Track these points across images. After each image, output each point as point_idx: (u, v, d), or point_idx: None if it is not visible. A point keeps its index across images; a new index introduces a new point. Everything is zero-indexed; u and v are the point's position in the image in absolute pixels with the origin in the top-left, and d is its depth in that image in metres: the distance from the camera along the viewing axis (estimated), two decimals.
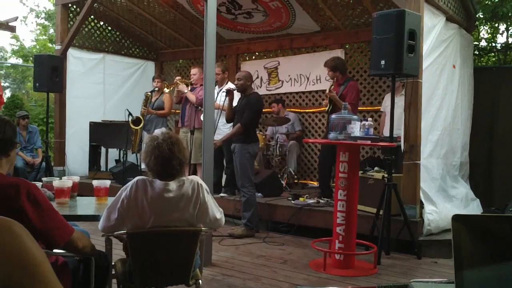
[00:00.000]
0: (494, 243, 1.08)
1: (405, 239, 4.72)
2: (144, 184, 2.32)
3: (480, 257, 1.09)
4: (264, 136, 7.37)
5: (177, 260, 2.39)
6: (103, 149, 8.20)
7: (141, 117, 7.21)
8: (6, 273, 0.94)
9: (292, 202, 5.79)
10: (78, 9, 7.89)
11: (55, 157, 7.91)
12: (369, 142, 4.37)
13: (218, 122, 5.80)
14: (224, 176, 6.56)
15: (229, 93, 5.58)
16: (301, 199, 5.84)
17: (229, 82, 6.47)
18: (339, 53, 7.27)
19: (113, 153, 8.23)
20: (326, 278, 3.98)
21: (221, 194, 6.22)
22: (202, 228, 2.39)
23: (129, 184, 2.34)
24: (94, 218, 2.54)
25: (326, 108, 5.90)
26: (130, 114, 6.93)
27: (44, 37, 19.92)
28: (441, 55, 5.36)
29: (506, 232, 1.08)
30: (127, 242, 2.33)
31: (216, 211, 2.49)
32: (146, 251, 2.34)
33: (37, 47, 19.06)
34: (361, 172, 5.13)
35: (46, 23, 19.90)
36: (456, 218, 1.05)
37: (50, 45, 17.98)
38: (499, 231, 1.08)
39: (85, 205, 2.93)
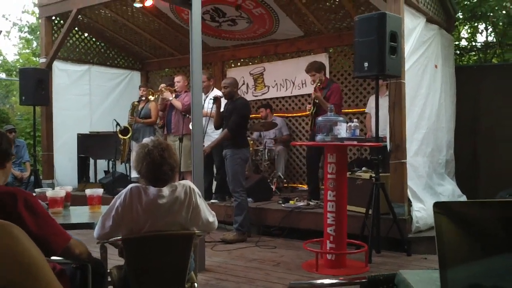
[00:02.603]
0: (474, 229, 1.15)
1: (394, 237, 4.80)
2: (138, 191, 2.36)
3: (462, 242, 1.16)
4: (252, 142, 7.42)
5: (172, 263, 2.42)
6: (91, 160, 8.19)
7: (129, 126, 7.23)
8: (6, 274, 0.99)
9: (283, 205, 5.84)
10: (62, 21, 7.89)
11: (44, 170, 7.88)
12: (355, 142, 4.46)
13: (207, 128, 5.84)
14: (214, 183, 6.60)
15: (217, 100, 5.63)
16: (291, 202, 5.90)
17: (215, 89, 6.53)
18: (323, 57, 7.37)
19: (102, 164, 8.23)
20: (318, 277, 4.03)
21: (212, 200, 6.26)
22: (196, 232, 2.44)
23: (123, 191, 2.38)
24: (89, 226, 2.57)
25: (310, 111, 5.98)
26: (117, 124, 6.95)
27: (27, 50, 19.81)
28: (423, 55, 5.47)
29: (485, 217, 1.14)
30: (123, 247, 2.36)
31: (209, 214, 2.54)
32: (141, 256, 2.37)
33: (20, 61, 18.95)
34: (349, 173, 5.21)
35: (29, 36, 19.79)
36: (437, 205, 1.11)
37: (33, 58, 17.89)
38: (479, 217, 1.15)
39: (79, 214, 2.96)
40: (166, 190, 2.38)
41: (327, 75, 7.05)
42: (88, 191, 3.02)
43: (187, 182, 2.48)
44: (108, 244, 2.55)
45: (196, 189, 2.48)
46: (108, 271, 2.62)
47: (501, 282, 1.14)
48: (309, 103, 6.14)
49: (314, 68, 5.93)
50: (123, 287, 2.50)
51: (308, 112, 6.15)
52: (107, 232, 2.37)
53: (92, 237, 2.50)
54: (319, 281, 1.54)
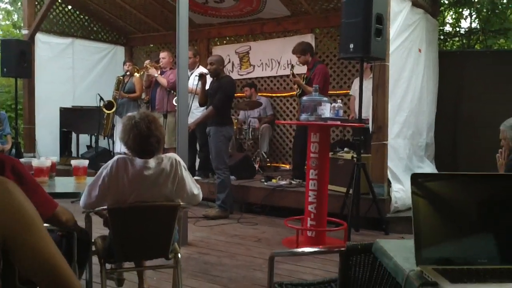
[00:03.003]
0: (447, 198, 1.22)
1: (373, 217, 4.92)
2: (125, 162, 2.39)
3: (436, 215, 1.23)
4: (236, 120, 7.45)
5: (157, 234, 2.47)
6: (74, 135, 8.13)
7: (113, 101, 7.19)
8: (3, 225, 1.03)
9: (265, 183, 5.92)
10: None
11: (25, 143, 7.81)
12: (339, 122, 4.53)
13: (191, 106, 5.84)
14: (197, 160, 6.63)
15: (202, 77, 5.63)
16: (273, 180, 5.97)
17: (200, 66, 6.51)
18: (309, 37, 7.38)
19: (84, 138, 8.19)
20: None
21: (195, 177, 6.25)
22: (181, 203, 2.48)
23: (110, 162, 2.41)
24: (74, 195, 2.60)
25: (296, 92, 6.03)
26: (101, 98, 6.90)
27: (7, 22, 19.35)
28: (407, 39, 5.53)
29: (457, 187, 1.21)
30: (108, 217, 2.40)
31: (194, 187, 2.58)
32: (126, 226, 2.42)
33: (0, 32, 18.51)
34: (332, 153, 5.29)
35: (9, 7, 19.31)
36: (414, 176, 1.18)
37: (14, 30, 17.49)
38: (452, 187, 1.22)
39: (64, 184, 2.98)
40: (152, 162, 2.42)
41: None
42: (73, 162, 3.04)
43: (173, 155, 2.52)
44: (92, 214, 2.58)
45: (182, 162, 2.52)
46: (93, 241, 2.66)
47: (470, 255, 1.22)
48: (294, 84, 6.19)
49: (300, 50, 5.96)
50: (108, 256, 2.55)
51: (294, 92, 6.21)
52: (93, 202, 2.41)
53: (76, 209, 2.53)
54: (300, 249, 1.61)
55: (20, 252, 1.08)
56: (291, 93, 7.74)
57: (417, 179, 1.20)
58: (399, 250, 1.32)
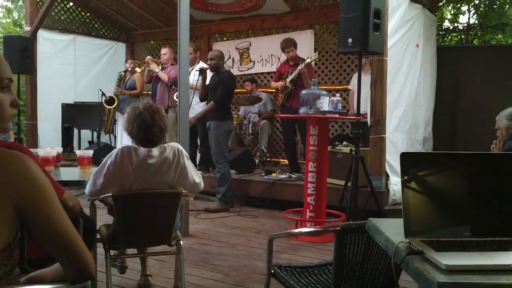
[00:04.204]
0: (434, 176, 1.30)
1: (371, 209, 4.97)
2: (129, 151, 2.47)
3: (423, 187, 1.31)
4: (236, 115, 7.53)
5: (160, 221, 2.56)
6: (75, 130, 8.22)
7: (114, 97, 7.26)
8: (20, 193, 1.12)
9: (265, 177, 6.00)
10: None
11: (27, 139, 7.88)
12: (337, 116, 4.60)
13: (192, 101, 5.91)
14: (198, 154, 6.71)
15: (202, 72, 5.70)
16: (273, 174, 6.05)
17: (200, 62, 6.59)
18: (308, 33, 7.46)
19: (86, 134, 8.28)
20: (297, 245, 4.22)
21: None
22: (183, 191, 2.56)
23: (114, 151, 2.49)
24: (80, 183, 2.68)
25: (288, 88, 6.10)
26: (103, 94, 6.98)
27: (8, 20, 19.42)
28: (406, 34, 5.60)
29: (444, 165, 1.29)
30: (113, 204, 2.48)
31: (195, 176, 2.67)
32: (130, 213, 2.50)
33: (0, 29, 18.58)
34: (330, 146, 5.37)
35: (9, 5, 19.37)
36: (403, 155, 1.26)
37: (15, 28, 17.56)
38: (438, 166, 1.30)
39: (70, 173, 3.06)
40: (155, 151, 2.50)
41: (313, 51, 7.18)
42: (78, 152, 3.13)
43: (175, 144, 2.60)
44: (97, 202, 2.67)
45: (184, 151, 2.60)
46: (97, 228, 2.74)
47: (456, 228, 1.30)
48: (284, 79, 6.23)
49: (293, 44, 6.06)
50: (112, 242, 2.63)
51: (274, 89, 6.34)
52: (98, 190, 2.49)
53: (81, 198, 2.61)
54: (296, 230, 1.69)
55: (35, 221, 1.16)
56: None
57: (406, 158, 1.28)
58: (390, 227, 1.40)
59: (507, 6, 8.11)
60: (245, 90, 7.89)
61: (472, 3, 8.25)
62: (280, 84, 6.24)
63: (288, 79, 6.10)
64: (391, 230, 1.37)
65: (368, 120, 5.25)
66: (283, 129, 6.56)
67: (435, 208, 1.31)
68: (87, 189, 2.53)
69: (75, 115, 7.98)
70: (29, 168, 1.17)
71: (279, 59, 7.91)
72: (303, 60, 6.07)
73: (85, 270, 1.22)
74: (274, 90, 8.00)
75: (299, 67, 5.88)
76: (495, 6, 7.99)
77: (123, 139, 6.99)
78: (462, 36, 8.50)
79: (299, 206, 4.88)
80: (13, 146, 1.99)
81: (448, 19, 9.05)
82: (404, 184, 1.27)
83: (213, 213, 5.43)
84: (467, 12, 8.65)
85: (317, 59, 6.10)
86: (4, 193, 1.12)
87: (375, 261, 1.74)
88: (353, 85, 6.58)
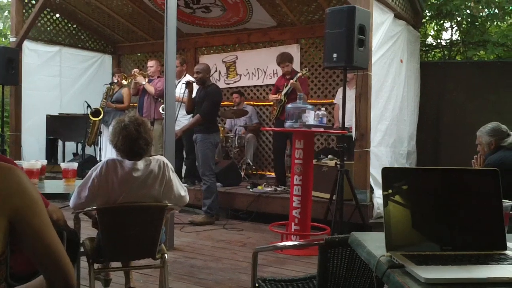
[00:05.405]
0: (415, 190, 1.33)
1: (356, 222, 5.01)
2: (114, 164, 2.47)
3: (404, 202, 1.34)
4: (222, 128, 7.54)
5: (145, 234, 2.55)
6: (60, 142, 8.16)
7: (100, 109, 7.24)
8: (14, 205, 1.12)
9: (251, 190, 6.00)
10: (33, 1, 7.81)
11: (11, 150, 7.80)
12: (322, 129, 4.65)
13: (178, 113, 5.92)
14: (184, 167, 6.70)
15: (189, 85, 5.72)
16: (259, 187, 6.06)
17: (187, 75, 6.61)
18: (295, 48, 7.54)
19: (71, 146, 8.21)
20: (283, 258, 4.22)
21: None
22: (168, 204, 2.56)
23: (99, 164, 2.49)
24: (64, 196, 2.67)
25: (281, 101, 6.14)
26: (88, 106, 6.96)
27: None
28: (390, 49, 5.70)
29: (424, 180, 1.32)
30: (97, 217, 2.47)
31: (181, 189, 2.67)
32: (115, 226, 2.49)
33: None
34: (316, 160, 5.40)
35: None
36: (385, 170, 1.28)
37: (0, 38, 17.45)
38: (418, 180, 1.33)
39: (54, 186, 3.04)
40: (141, 164, 2.50)
41: (298, 66, 7.26)
42: (63, 165, 3.11)
43: (161, 157, 2.61)
44: (81, 215, 2.65)
45: (169, 164, 2.61)
46: (81, 242, 2.72)
47: (436, 242, 1.33)
48: (279, 92, 6.29)
49: (288, 59, 6.11)
50: (96, 256, 2.61)
51: (272, 102, 6.38)
52: (83, 202, 2.48)
53: (65, 211, 2.59)
54: (281, 243, 1.70)
55: (25, 233, 1.16)
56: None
57: (387, 173, 1.31)
58: (372, 241, 1.42)
59: (488, 23, 8.29)
60: (232, 103, 7.93)
61: (455, 20, 8.42)
62: (275, 97, 6.29)
63: (283, 93, 6.15)
64: (373, 243, 1.39)
65: (353, 134, 5.30)
66: (273, 141, 6.60)
67: (416, 222, 1.34)
68: (71, 202, 2.52)
69: (59, 127, 7.92)
70: (22, 180, 1.17)
71: (265, 72, 7.98)
72: (297, 73, 6.15)
73: (67, 282, 1.22)
74: (264, 103, 8.09)
75: (291, 81, 5.94)
76: (477, 23, 8.16)
77: (107, 152, 6.95)
78: (445, 52, 8.66)
79: (284, 219, 4.89)
80: None
81: (432, 35, 9.23)
82: (385, 198, 1.29)
83: (198, 226, 5.41)
84: (449, 28, 8.83)
85: (307, 75, 6.15)
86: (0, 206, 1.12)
87: (358, 274, 1.76)
88: (338, 99, 6.65)
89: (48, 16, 8.50)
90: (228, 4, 7.38)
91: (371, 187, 5.21)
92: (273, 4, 7.25)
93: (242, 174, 7.00)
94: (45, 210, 1.21)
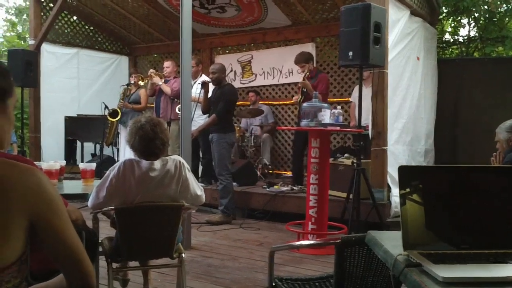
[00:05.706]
0: (432, 188, 1.32)
1: (374, 221, 4.97)
2: (131, 164, 2.50)
3: (421, 200, 1.33)
4: (238, 128, 7.56)
5: (162, 233, 2.57)
6: (78, 143, 8.27)
7: (118, 109, 7.32)
8: (34, 206, 1.15)
9: (267, 189, 6.01)
10: (51, 4, 7.92)
11: (31, 152, 7.93)
12: (338, 128, 4.63)
13: (194, 113, 5.96)
14: (200, 167, 6.73)
15: (205, 85, 5.75)
16: (275, 186, 6.06)
17: (203, 75, 6.64)
18: (310, 46, 7.52)
19: (89, 147, 8.31)
20: (299, 257, 4.22)
21: None
22: (185, 204, 2.58)
23: (117, 164, 2.52)
24: (82, 196, 2.70)
25: (298, 99, 6.14)
26: (106, 107, 7.03)
27: (12, 33, 19.60)
28: (406, 47, 5.65)
29: (442, 178, 1.31)
30: (115, 217, 2.50)
31: (197, 188, 2.69)
32: (132, 225, 2.52)
33: (5, 43, 18.74)
34: (332, 159, 5.38)
35: (15, 19, 19.57)
36: (401, 168, 1.28)
37: (19, 41, 17.73)
38: (436, 178, 1.32)
39: (73, 186, 3.09)
40: (157, 164, 2.52)
41: (314, 65, 7.23)
42: (81, 165, 3.16)
43: (177, 157, 2.62)
44: (100, 215, 2.69)
45: (186, 164, 2.62)
46: (100, 241, 2.76)
47: (454, 241, 1.32)
48: (296, 92, 6.30)
49: (304, 60, 6.09)
50: (115, 255, 2.64)
51: (293, 101, 6.31)
52: (101, 202, 2.51)
53: (83, 211, 2.63)
54: (297, 243, 1.70)
55: (45, 233, 1.18)
56: (292, 101, 7.85)
57: (404, 171, 1.30)
58: (389, 239, 1.42)
59: (507, 19, 8.16)
60: (248, 103, 7.94)
61: (472, 16, 8.30)
62: (296, 97, 6.30)
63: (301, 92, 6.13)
64: (390, 242, 1.39)
65: (370, 132, 5.27)
66: (294, 139, 6.59)
67: (433, 221, 1.33)
68: (89, 202, 2.55)
69: (78, 128, 8.03)
70: (42, 181, 1.20)
71: (280, 71, 7.97)
72: (320, 71, 6.12)
73: (87, 282, 1.24)
74: (280, 103, 8.10)
75: (300, 81, 5.93)
76: (495, 19, 8.04)
77: (125, 152, 7.02)
78: (463, 49, 8.54)
79: (301, 218, 4.88)
80: (18, 159, 2.01)
81: (449, 32, 9.11)
82: (402, 197, 1.29)
83: (215, 225, 5.43)
84: (467, 25, 8.71)
85: (307, 74, 6.13)
86: (20, 206, 1.14)
87: (376, 274, 1.75)
88: (354, 98, 6.60)
89: (66, 19, 8.62)
90: (243, 4, 7.39)
91: (388, 185, 5.17)
92: (288, 3, 7.24)
93: (258, 173, 7.01)
94: (65, 211, 1.24)
